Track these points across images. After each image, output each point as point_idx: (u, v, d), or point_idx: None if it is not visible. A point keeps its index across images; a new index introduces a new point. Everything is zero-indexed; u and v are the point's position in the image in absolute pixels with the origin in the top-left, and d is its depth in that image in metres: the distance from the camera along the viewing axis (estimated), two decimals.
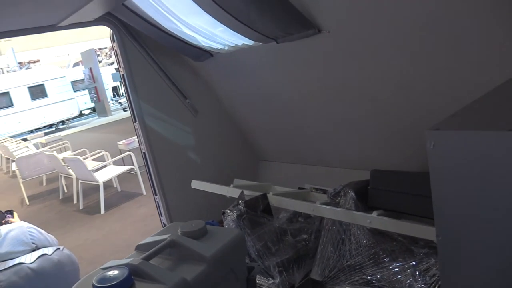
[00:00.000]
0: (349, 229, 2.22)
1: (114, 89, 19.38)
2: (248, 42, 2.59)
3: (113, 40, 2.95)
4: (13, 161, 8.03)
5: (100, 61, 19.95)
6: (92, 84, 15.84)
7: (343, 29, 2.12)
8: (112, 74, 17.84)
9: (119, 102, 18.41)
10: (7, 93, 14.69)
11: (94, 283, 1.45)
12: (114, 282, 1.48)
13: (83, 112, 17.28)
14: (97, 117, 16.60)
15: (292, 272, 2.30)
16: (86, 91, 16.69)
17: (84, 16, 2.60)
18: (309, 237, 2.49)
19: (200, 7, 2.37)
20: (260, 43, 2.57)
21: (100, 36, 20.45)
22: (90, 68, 15.79)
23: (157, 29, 2.77)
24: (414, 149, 2.33)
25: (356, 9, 1.97)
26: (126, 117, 14.88)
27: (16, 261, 2.95)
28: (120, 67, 2.98)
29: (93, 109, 17.52)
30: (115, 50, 2.96)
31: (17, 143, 10.12)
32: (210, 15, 2.40)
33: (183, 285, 1.59)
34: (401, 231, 2.00)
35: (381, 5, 1.86)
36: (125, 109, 17.07)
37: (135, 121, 3.07)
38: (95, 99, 16.03)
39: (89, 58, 16.10)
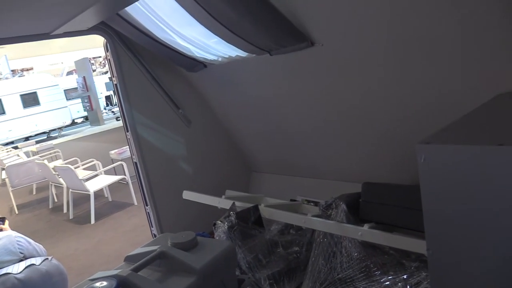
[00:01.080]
0: (340, 241, 2.21)
1: (108, 98, 19.33)
2: (242, 53, 2.60)
3: (106, 50, 2.95)
4: (3, 169, 7.95)
5: (94, 70, 19.92)
6: (85, 92, 15.78)
7: (336, 43, 2.14)
8: (106, 83, 17.81)
9: (112, 111, 18.35)
10: None
11: None
12: None
13: (75, 120, 17.18)
14: (89, 126, 16.52)
15: (283, 284, 2.29)
16: (79, 100, 16.62)
17: (78, 25, 2.60)
18: (301, 250, 2.48)
19: (195, 19, 2.38)
20: (254, 55, 2.58)
21: (94, 45, 20.43)
22: (84, 77, 15.75)
23: (151, 39, 2.78)
24: (406, 162, 2.34)
25: (350, 23, 1.99)
26: (119, 127, 14.81)
27: (3, 271, 2.91)
28: (113, 76, 2.97)
29: (86, 118, 17.43)
30: (109, 59, 2.95)
31: (7, 151, 10.02)
32: (204, 26, 2.41)
33: None
34: (392, 244, 2.00)
35: (374, 20, 1.88)
36: (118, 119, 17.00)
37: (127, 131, 3.05)
38: (88, 108, 15.96)
39: (83, 66, 16.06)
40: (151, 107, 3.08)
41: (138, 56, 3.00)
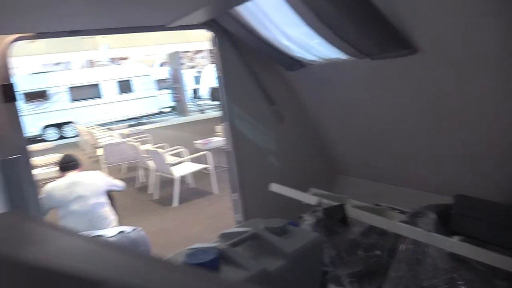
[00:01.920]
0: (426, 250, 2.20)
1: (194, 91, 20.19)
2: (343, 56, 2.66)
3: (213, 44, 3.16)
4: (98, 147, 8.67)
5: (183, 64, 20.90)
6: (174, 84, 16.64)
7: (440, 50, 2.13)
8: (194, 77, 18.62)
9: (198, 104, 19.14)
10: (97, 85, 15.87)
11: (185, 259, 1.59)
12: (204, 261, 1.61)
13: (162, 110, 18.17)
14: (175, 116, 17.40)
15: (364, 285, 2.32)
16: (168, 91, 17.58)
17: (191, 20, 2.82)
18: (382, 254, 2.49)
19: (301, 19, 2.49)
20: (354, 58, 2.63)
21: (186, 40, 21.50)
22: (175, 69, 16.63)
23: (255, 36, 2.93)
24: (503, 179, 2.26)
25: (455, 31, 1.98)
26: (203, 119, 15.51)
27: (97, 233, 3.26)
28: (218, 69, 3.18)
29: (172, 108, 18.36)
30: (215, 53, 3.16)
31: (103, 132, 10.90)
32: (310, 27, 2.51)
33: (264, 275, 1.69)
34: (483, 260, 1.96)
35: (481, 28, 1.86)
36: (202, 111, 17.77)
37: (225, 121, 3.25)
38: (175, 98, 16.81)
39: (174, 60, 16.97)
40: (248, 101, 3.26)
41: (241, 52, 3.18)
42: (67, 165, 3.53)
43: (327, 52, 2.76)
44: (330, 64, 2.81)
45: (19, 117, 2.45)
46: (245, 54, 3.20)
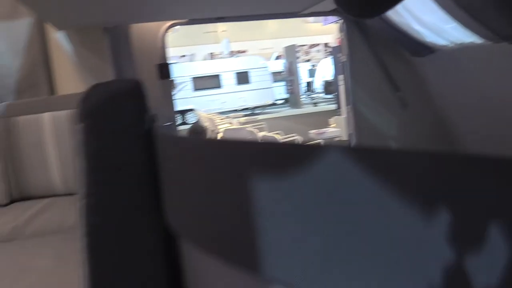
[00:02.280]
0: None
1: (308, 84, 20.38)
2: (478, 40, 2.59)
3: (340, 30, 3.27)
4: (217, 132, 9.29)
5: (298, 57, 21.15)
6: (289, 77, 16.99)
7: None
8: (308, 70, 18.80)
9: (311, 97, 19.29)
10: (218, 76, 16.87)
11: None
12: None
13: (276, 102, 18.65)
14: (288, 108, 17.76)
15: None
16: (282, 83, 17.99)
17: (322, 7, 2.95)
18: None
19: (437, 4, 2.48)
20: (490, 42, 2.54)
21: (301, 34, 21.73)
22: (290, 62, 16.96)
23: (383, 22, 2.97)
24: None
25: None
26: (315, 111, 15.60)
27: None
28: (343, 54, 3.28)
29: (286, 100, 18.76)
30: (342, 39, 3.27)
31: (221, 119, 11.61)
32: (446, 11, 2.48)
33: None
34: None
35: None
36: (315, 104, 17.88)
37: (348, 105, 3.35)
38: (289, 91, 17.16)
39: (290, 53, 17.31)
40: (372, 86, 3.31)
41: (367, 37, 3.24)
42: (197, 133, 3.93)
43: (460, 36, 2.69)
44: (463, 49, 2.74)
45: (171, 92, 2.85)
46: (371, 39, 3.25)
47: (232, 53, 23.19)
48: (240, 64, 17.59)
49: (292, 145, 0.59)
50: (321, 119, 9.99)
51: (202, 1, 2.36)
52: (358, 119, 3.29)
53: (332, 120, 8.68)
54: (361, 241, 0.49)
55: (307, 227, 0.55)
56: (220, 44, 22.50)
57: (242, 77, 17.00)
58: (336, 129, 7.81)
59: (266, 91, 17.42)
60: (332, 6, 2.95)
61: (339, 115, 8.49)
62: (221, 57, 21.44)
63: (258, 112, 17.14)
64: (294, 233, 0.56)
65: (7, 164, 2.49)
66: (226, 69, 17.09)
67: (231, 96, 16.80)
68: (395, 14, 2.85)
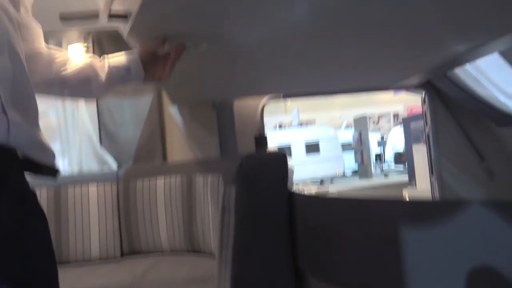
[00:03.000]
0: None
1: (378, 155, 20.17)
2: None
3: (423, 102, 3.42)
4: None
5: (367, 127, 21.19)
6: (359, 147, 17.00)
7: None
8: (378, 140, 18.72)
9: (382, 168, 19.00)
10: (288, 146, 17.26)
11: None
12: None
13: (345, 172, 18.55)
14: (358, 178, 17.57)
15: None
16: (351, 153, 18.00)
17: (407, 82, 3.16)
18: None
19: None
20: None
21: (370, 104, 21.94)
22: (360, 132, 17.05)
23: (467, 94, 3.09)
24: None
25: None
26: (387, 183, 15.28)
27: None
28: (426, 125, 3.41)
29: (355, 171, 18.61)
30: (424, 110, 3.41)
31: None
32: None
33: None
34: None
35: None
36: (386, 175, 17.54)
37: (431, 174, 3.41)
38: (359, 161, 17.08)
39: (360, 123, 17.45)
40: (458, 156, 3.36)
41: (450, 108, 3.35)
42: None
43: None
44: None
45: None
46: (454, 110, 3.35)
47: (302, 123, 23.76)
48: (309, 133, 17.97)
49: (437, 201, 0.74)
50: (393, 190, 9.82)
51: (299, 79, 2.65)
52: (443, 189, 3.32)
53: (405, 192, 8.48)
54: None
55: (455, 276, 0.67)
56: (289, 113, 23.22)
57: (312, 147, 17.29)
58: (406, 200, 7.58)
59: (336, 161, 17.48)
60: (418, 80, 3.14)
61: (411, 187, 8.31)
62: (290, 127, 22.04)
63: (328, 183, 17.11)
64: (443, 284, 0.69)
65: (121, 222, 2.81)
66: (296, 139, 17.49)
67: (301, 166, 17.01)
68: (479, 86, 2.98)
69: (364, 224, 0.87)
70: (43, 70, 1.37)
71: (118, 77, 1.47)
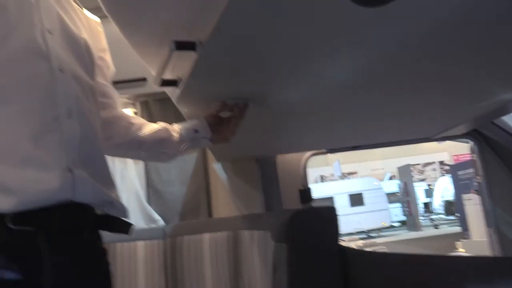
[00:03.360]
0: None
1: (426, 205, 19.41)
2: None
3: (472, 152, 3.32)
4: None
5: (412, 177, 20.58)
6: (405, 197, 16.48)
7: None
8: (425, 190, 18.11)
9: (431, 219, 18.22)
10: (331, 198, 16.94)
11: None
12: None
13: (392, 224, 17.90)
14: (406, 230, 16.88)
15: None
16: (398, 204, 17.42)
17: (453, 132, 3.09)
18: None
19: None
20: None
21: (413, 153, 21.42)
22: (405, 182, 16.58)
23: None
24: None
25: None
26: (437, 234, 14.56)
27: None
28: (478, 175, 3.29)
29: (403, 222, 17.92)
30: (474, 160, 3.31)
31: None
32: None
33: None
34: None
35: None
36: (436, 226, 16.77)
37: (488, 227, 3.25)
38: (406, 212, 16.48)
39: (404, 173, 17.01)
40: None
41: (502, 157, 3.23)
42: None
43: None
44: None
45: None
46: (506, 157, 3.23)
47: (343, 175, 23.42)
48: (353, 185, 17.61)
49: (502, 258, 0.72)
50: (445, 242, 9.33)
51: (342, 134, 2.66)
52: (503, 242, 3.14)
53: (460, 244, 8.05)
54: None
55: None
56: (330, 165, 22.99)
57: (356, 199, 16.87)
58: (466, 254, 7.20)
59: (382, 212, 16.91)
60: (464, 129, 3.07)
61: (466, 238, 7.89)
62: (332, 179, 21.74)
63: (375, 236, 16.50)
64: None
65: (168, 279, 2.82)
66: (339, 191, 17.17)
67: (345, 218, 16.55)
68: None
69: (426, 282, 0.86)
70: (123, 133, 1.51)
71: (189, 137, 1.60)
